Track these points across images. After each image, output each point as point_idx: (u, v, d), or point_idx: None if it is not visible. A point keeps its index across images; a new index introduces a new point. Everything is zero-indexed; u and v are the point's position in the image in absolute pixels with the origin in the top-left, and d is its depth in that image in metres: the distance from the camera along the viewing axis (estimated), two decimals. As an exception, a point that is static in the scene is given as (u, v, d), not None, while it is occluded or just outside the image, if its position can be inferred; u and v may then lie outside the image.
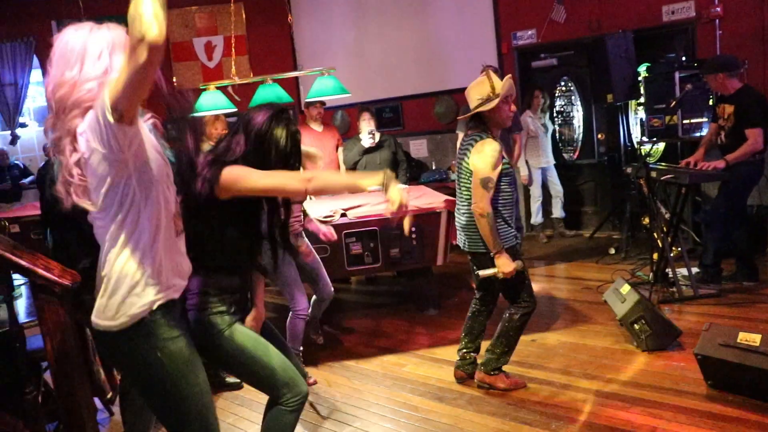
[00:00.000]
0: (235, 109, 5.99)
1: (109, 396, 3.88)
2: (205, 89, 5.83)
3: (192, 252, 2.25)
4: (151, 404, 2.28)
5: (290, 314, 4.24)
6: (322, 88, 5.81)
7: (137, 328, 2.01)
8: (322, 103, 6.70)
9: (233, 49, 8.16)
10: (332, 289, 4.60)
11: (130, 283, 1.99)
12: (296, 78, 9.39)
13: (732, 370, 3.49)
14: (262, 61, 9.63)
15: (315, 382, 4.32)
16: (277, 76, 6.16)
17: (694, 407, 3.48)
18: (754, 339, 3.42)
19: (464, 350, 4.16)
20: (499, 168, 3.64)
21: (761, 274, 5.51)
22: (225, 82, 6.04)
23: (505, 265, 3.67)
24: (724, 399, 3.53)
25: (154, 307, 2.03)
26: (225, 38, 9.74)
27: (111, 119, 1.76)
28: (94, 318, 2.05)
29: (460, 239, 3.94)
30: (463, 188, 3.80)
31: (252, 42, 9.77)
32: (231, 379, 4.34)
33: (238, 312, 2.60)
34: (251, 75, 8.45)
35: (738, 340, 3.48)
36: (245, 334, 2.54)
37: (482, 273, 3.78)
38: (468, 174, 3.72)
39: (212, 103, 5.70)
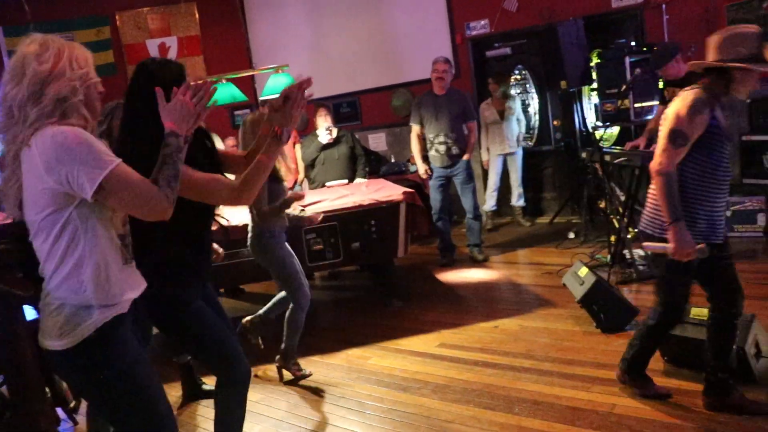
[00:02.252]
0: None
1: (72, 405, 3.85)
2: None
3: (149, 228, 2.22)
4: (107, 418, 2.27)
5: (291, 307, 4.22)
6: (276, 85, 5.81)
7: (83, 347, 1.97)
8: (278, 101, 6.66)
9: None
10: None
11: (72, 303, 1.96)
12: (252, 77, 9.33)
13: (685, 345, 3.58)
14: (217, 61, 9.54)
15: (311, 374, 4.32)
16: (230, 75, 6.15)
17: (652, 383, 3.57)
18: (705, 313, 3.50)
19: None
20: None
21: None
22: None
23: (680, 241, 2.94)
24: (680, 373, 3.62)
25: (100, 324, 1.98)
26: (179, 39, 9.65)
27: (87, 197, 1.85)
28: (39, 337, 2.01)
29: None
30: None
31: (206, 42, 9.67)
32: (208, 387, 4.28)
33: (198, 287, 2.62)
34: (206, 75, 8.40)
35: (690, 316, 3.57)
36: (202, 310, 2.60)
37: (649, 245, 3.12)
38: None
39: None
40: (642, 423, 3.18)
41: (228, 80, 6.09)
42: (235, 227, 4.59)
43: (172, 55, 9.71)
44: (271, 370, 4.49)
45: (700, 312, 3.55)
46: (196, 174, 2.34)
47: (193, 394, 4.21)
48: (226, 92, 6.00)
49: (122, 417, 2.10)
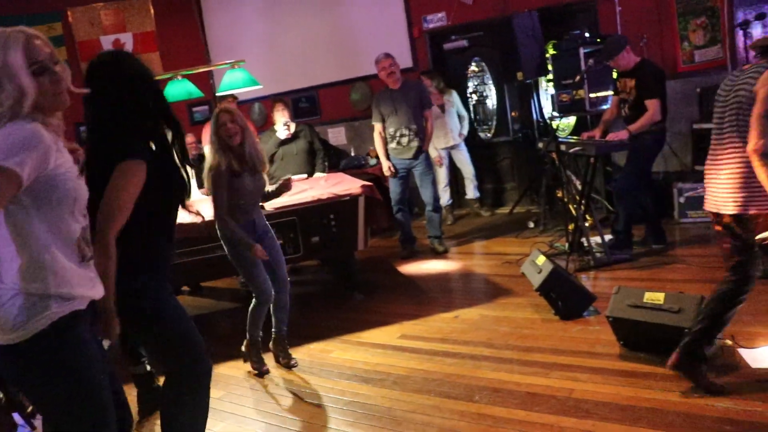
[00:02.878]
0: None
1: (29, 410, 3.78)
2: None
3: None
4: (45, 417, 2.23)
5: (254, 301, 4.20)
6: (232, 81, 5.77)
7: (35, 341, 1.92)
8: (234, 96, 6.63)
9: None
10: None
11: (28, 292, 1.92)
12: (209, 72, 9.25)
13: (640, 329, 3.66)
14: (173, 57, 9.41)
15: (267, 371, 4.33)
16: (185, 71, 6.08)
17: (608, 367, 3.64)
18: (658, 298, 3.59)
19: None
20: None
21: (668, 237, 5.78)
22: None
23: None
24: (635, 357, 3.70)
25: (56, 318, 1.95)
26: (134, 35, 9.52)
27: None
28: None
29: (716, 201, 3.22)
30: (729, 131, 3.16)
31: (162, 38, 9.55)
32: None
33: (164, 277, 2.60)
34: (162, 72, 8.30)
35: (644, 300, 3.65)
36: (168, 302, 2.58)
37: (764, 236, 2.97)
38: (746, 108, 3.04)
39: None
40: (599, 406, 3.24)
41: (183, 76, 6.04)
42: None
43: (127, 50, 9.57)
44: (236, 366, 4.49)
45: (653, 297, 3.63)
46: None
47: (153, 408, 3.93)
48: (182, 88, 5.95)
49: (63, 419, 2.06)
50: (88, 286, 2.09)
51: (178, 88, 5.94)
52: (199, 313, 6.09)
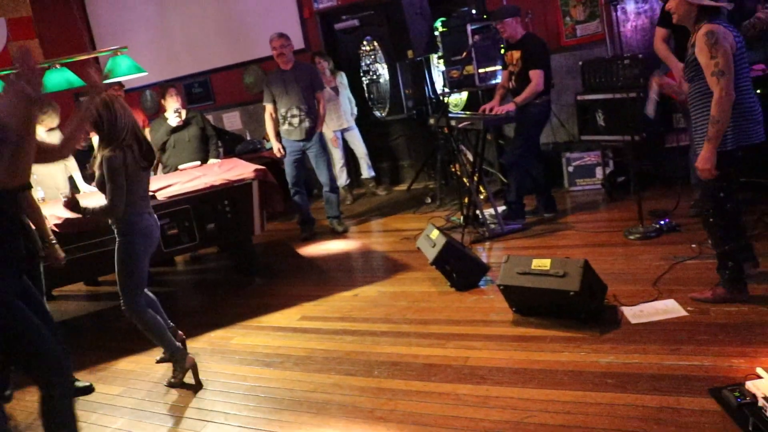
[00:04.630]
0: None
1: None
2: (-18, 79, 5.40)
3: None
4: None
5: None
6: (115, 68, 5.56)
7: None
8: (121, 84, 6.40)
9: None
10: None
11: None
12: (96, 59, 8.86)
13: (530, 295, 3.79)
14: (54, 44, 8.95)
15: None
16: (65, 59, 5.81)
17: (502, 333, 3.76)
18: (545, 264, 3.73)
19: None
20: None
21: (558, 206, 5.99)
22: (5, 70, 5.61)
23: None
24: (527, 322, 3.83)
25: None
26: (8, 21, 8.99)
27: None
28: None
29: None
30: None
31: (40, 24, 9.06)
32: (81, 383, 4.09)
33: (10, 278, 2.48)
34: (40, 61, 7.90)
35: (532, 267, 3.78)
36: (20, 311, 2.44)
37: None
38: None
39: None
40: (493, 371, 3.34)
41: (62, 65, 5.76)
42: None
43: (1, 38, 9.05)
44: (134, 361, 4.39)
45: (540, 263, 3.76)
46: None
47: None
48: (61, 78, 5.68)
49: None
50: None
51: (58, 78, 5.67)
52: (97, 310, 5.92)
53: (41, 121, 5.36)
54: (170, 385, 3.96)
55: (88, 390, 4.08)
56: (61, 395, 2.56)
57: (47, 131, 5.58)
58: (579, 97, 6.24)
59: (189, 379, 3.93)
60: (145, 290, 3.98)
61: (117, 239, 3.78)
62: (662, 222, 4.91)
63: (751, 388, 2.55)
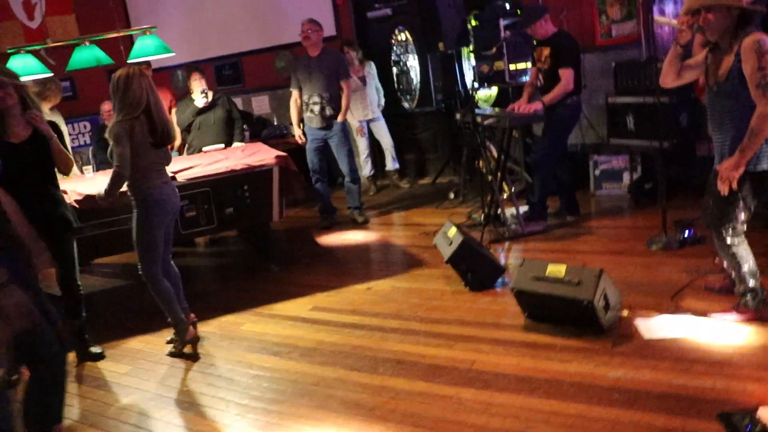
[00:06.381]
0: (51, 74, 5.64)
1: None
2: (14, 52, 5.42)
3: None
4: None
5: None
6: (143, 48, 5.56)
7: None
8: (148, 63, 6.40)
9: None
10: None
11: None
12: (127, 38, 8.88)
13: (543, 301, 3.71)
14: (90, 20, 8.96)
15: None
16: (94, 37, 5.83)
17: (511, 339, 3.69)
18: (560, 270, 3.65)
19: None
20: None
21: (582, 209, 5.87)
22: (36, 45, 5.65)
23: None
24: (538, 328, 3.75)
25: None
26: (46, -4, 9.04)
27: None
28: None
29: None
30: None
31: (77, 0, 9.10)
32: (95, 349, 4.25)
33: None
34: (78, 36, 7.93)
35: (547, 273, 3.70)
36: None
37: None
38: None
39: (22, 67, 5.31)
40: (498, 377, 3.28)
41: (92, 42, 5.78)
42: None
43: (39, 13, 9.11)
44: (144, 341, 4.41)
45: (555, 269, 3.68)
46: None
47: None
48: (90, 55, 5.70)
49: None
50: None
51: (87, 55, 5.69)
52: (105, 288, 5.96)
53: (46, 98, 5.48)
54: (171, 355, 4.14)
55: (99, 356, 4.24)
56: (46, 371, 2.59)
57: (49, 109, 5.63)
58: (610, 99, 6.11)
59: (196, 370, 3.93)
60: (171, 263, 4.23)
61: (134, 210, 3.96)
62: (686, 233, 4.78)
63: (764, 416, 2.46)
